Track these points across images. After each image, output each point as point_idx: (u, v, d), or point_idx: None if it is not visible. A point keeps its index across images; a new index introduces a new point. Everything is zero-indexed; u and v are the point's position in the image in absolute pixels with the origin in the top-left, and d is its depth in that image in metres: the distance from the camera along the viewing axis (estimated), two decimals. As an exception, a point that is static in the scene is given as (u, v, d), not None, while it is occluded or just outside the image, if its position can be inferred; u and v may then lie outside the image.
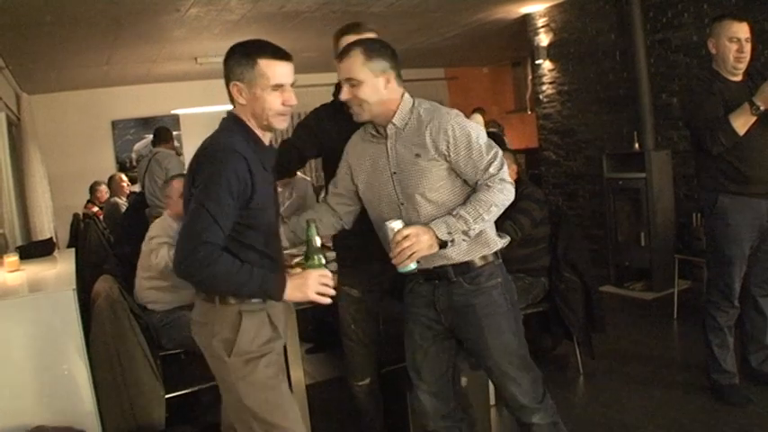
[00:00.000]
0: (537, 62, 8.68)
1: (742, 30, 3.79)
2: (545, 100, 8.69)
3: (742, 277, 3.97)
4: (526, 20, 8.74)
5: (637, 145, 6.83)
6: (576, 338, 4.70)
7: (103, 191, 9.40)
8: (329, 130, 3.42)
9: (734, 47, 3.78)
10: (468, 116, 2.85)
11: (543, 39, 8.52)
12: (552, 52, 8.45)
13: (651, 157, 6.58)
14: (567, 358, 4.97)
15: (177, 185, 4.54)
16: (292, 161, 3.53)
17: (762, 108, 3.60)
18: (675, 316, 5.69)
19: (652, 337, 5.42)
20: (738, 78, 3.88)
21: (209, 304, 2.47)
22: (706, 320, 4.11)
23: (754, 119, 3.66)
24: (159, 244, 4.33)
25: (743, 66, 3.84)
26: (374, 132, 2.86)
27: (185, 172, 2.64)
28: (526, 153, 10.83)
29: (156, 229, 4.47)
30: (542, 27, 8.53)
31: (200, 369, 4.10)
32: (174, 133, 11.31)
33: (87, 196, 9.62)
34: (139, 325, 3.71)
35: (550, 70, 8.52)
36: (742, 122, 3.68)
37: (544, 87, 8.67)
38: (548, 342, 5.12)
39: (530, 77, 9.82)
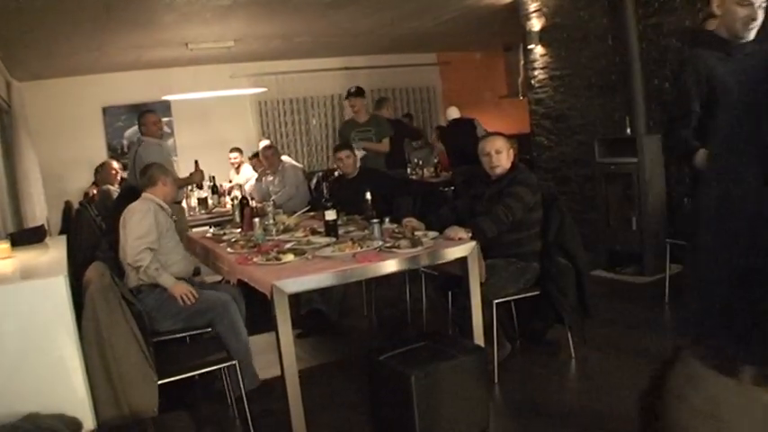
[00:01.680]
0: (529, 47, 8.66)
1: None
2: (537, 85, 8.68)
3: None
4: (518, 5, 8.71)
5: (629, 130, 6.83)
6: (568, 323, 4.71)
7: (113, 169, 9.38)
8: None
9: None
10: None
11: (535, 24, 8.50)
12: (544, 37, 8.43)
13: (643, 141, 6.58)
14: (558, 342, 4.98)
15: (158, 173, 4.86)
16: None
17: None
18: (667, 300, 5.70)
19: (643, 322, 5.44)
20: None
21: None
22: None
23: None
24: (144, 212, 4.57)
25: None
26: None
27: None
28: (518, 138, 10.82)
29: (140, 205, 4.67)
30: (534, 12, 8.51)
31: (193, 354, 4.14)
32: (166, 119, 11.32)
33: (78, 183, 9.60)
34: (131, 311, 3.70)
35: (542, 55, 8.51)
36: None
37: (536, 72, 8.66)
38: (540, 326, 5.14)
39: (522, 63, 9.79)
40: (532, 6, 8.51)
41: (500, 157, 4.69)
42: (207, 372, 3.96)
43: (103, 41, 8.27)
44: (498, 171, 4.70)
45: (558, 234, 4.66)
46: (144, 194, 4.80)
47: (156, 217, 4.59)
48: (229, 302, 4.50)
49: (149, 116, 7.05)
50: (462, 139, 8.95)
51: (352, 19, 8.76)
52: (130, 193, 5.32)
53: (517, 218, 4.45)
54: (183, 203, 7.91)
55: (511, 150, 4.75)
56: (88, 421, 3.27)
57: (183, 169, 10.43)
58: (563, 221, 4.69)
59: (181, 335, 4.41)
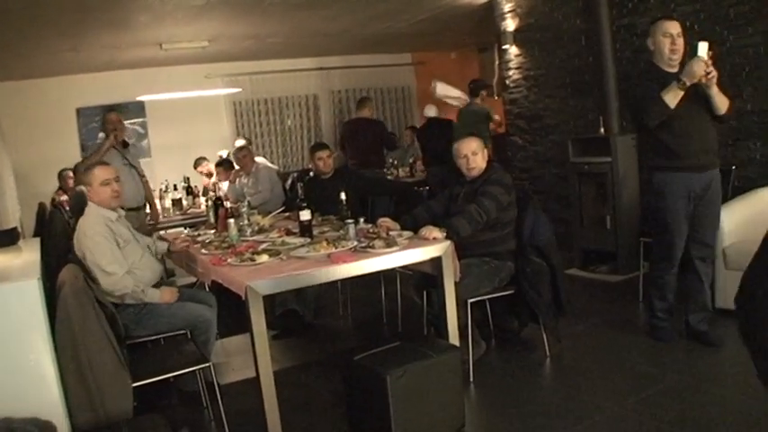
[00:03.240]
0: (503, 47, 8.70)
1: (673, 27, 4.50)
2: (512, 85, 8.72)
3: (683, 244, 4.66)
4: (493, 5, 8.75)
5: (602, 129, 6.88)
6: (543, 321, 4.73)
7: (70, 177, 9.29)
8: None
9: (668, 41, 4.49)
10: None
11: (510, 24, 8.54)
12: (519, 38, 8.47)
13: (616, 141, 6.63)
14: (533, 341, 5.01)
15: (99, 173, 4.47)
16: None
17: (687, 82, 4.27)
18: (641, 298, 5.74)
19: (618, 320, 5.48)
20: (674, 70, 4.48)
21: None
22: (650, 279, 5.04)
23: (681, 93, 4.31)
24: (101, 235, 4.32)
25: (677, 57, 4.51)
26: None
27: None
28: (493, 138, 10.85)
29: (90, 223, 4.39)
30: (509, 12, 8.55)
31: (169, 356, 4.13)
32: (140, 120, 11.29)
33: (52, 185, 9.52)
34: (105, 314, 3.68)
35: (517, 55, 8.55)
36: (671, 96, 4.32)
37: (511, 72, 8.70)
38: (515, 325, 5.18)
39: (496, 63, 9.84)
40: (507, 7, 8.55)
41: (476, 158, 4.73)
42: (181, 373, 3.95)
43: (77, 42, 8.22)
44: (475, 173, 4.75)
45: (532, 233, 4.68)
46: (89, 204, 4.54)
47: (111, 232, 4.39)
48: (212, 322, 4.47)
49: (108, 116, 6.85)
50: (438, 139, 8.96)
51: (325, 19, 8.77)
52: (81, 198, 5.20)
53: (491, 217, 4.48)
54: (158, 204, 7.88)
55: (485, 150, 4.79)
56: (62, 425, 3.25)
57: (159, 170, 10.43)
58: (537, 221, 4.71)
59: (155, 337, 4.38)
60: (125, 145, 6.90)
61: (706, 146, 4.57)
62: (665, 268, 4.77)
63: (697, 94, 4.41)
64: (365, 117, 9.50)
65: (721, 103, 4.47)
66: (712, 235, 4.76)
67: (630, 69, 6.82)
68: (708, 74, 4.25)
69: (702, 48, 4.26)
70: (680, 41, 4.50)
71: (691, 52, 4.41)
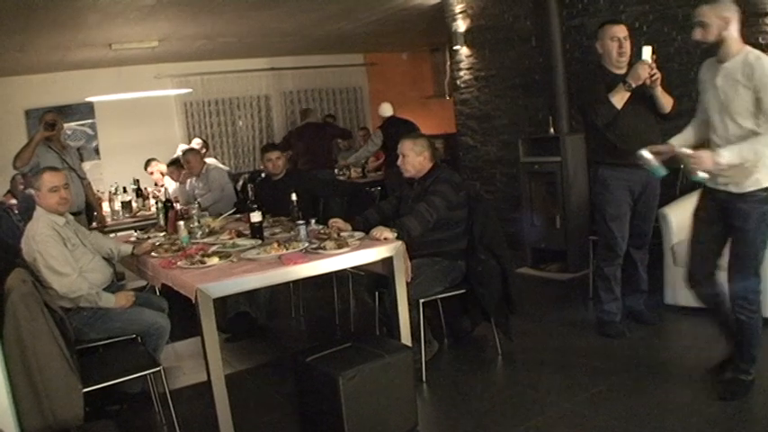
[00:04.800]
0: (455, 48, 8.75)
1: (620, 30, 4.72)
2: (462, 86, 8.77)
3: (626, 235, 4.92)
4: (444, 6, 8.79)
5: (552, 129, 6.95)
6: (494, 320, 4.77)
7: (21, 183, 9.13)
8: None
9: (615, 45, 4.70)
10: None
11: (461, 25, 8.59)
12: (469, 38, 8.52)
13: (566, 141, 6.70)
14: (485, 340, 5.06)
15: (48, 179, 4.43)
16: None
17: (633, 84, 4.52)
18: (591, 296, 5.81)
19: (568, 317, 5.54)
20: (622, 71, 4.71)
21: None
22: (595, 270, 5.24)
23: (627, 94, 4.56)
24: (51, 238, 4.27)
25: (624, 59, 4.74)
26: None
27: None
28: (445, 138, 10.92)
29: (39, 227, 4.32)
30: (460, 13, 8.60)
31: (119, 361, 4.08)
32: (90, 121, 11.13)
33: (1, 187, 9.35)
34: (54, 318, 3.63)
35: (468, 56, 8.60)
36: (617, 97, 4.58)
37: (462, 73, 8.75)
38: (466, 324, 5.21)
39: (448, 63, 9.88)
40: (458, 8, 8.60)
41: (407, 159, 4.77)
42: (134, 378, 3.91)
43: (25, 42, 8.08)
44: (407, 174, 4.82)
45: (482, 233, 4.71)
46: (37, 209, 4.48)
47: (60, 235, 4.34)
48: (166, 330, 4.42)
49: (44, 115, 6.60)
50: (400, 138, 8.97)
51: (276, 19, 8.73)
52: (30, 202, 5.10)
53: (440, 215, 4.49)
54: (106, 206, 7.78)
55: (425, 152, 4.77)
56: (11, 431, 3.20)
57: (109, 172, 10.30)
58: (488, 220, 4.73)
59: (105, 342, 4.33)
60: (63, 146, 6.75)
61: (647, 144, 4.65)
62: (609, 258, 4.98)
63: (642, 95, 4.64)
64: (312, 122, 9.60)
65: (666, 102, 4.70)
66: (648, 226, 5.07)
67: (580, 69, 6.89)
68: (652, 76, 4.51)
69: (646, 51, 4.51)
70: (627, 44, 4.72)
71: (636, 56, 4.62)
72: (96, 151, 11.37)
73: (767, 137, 3.45)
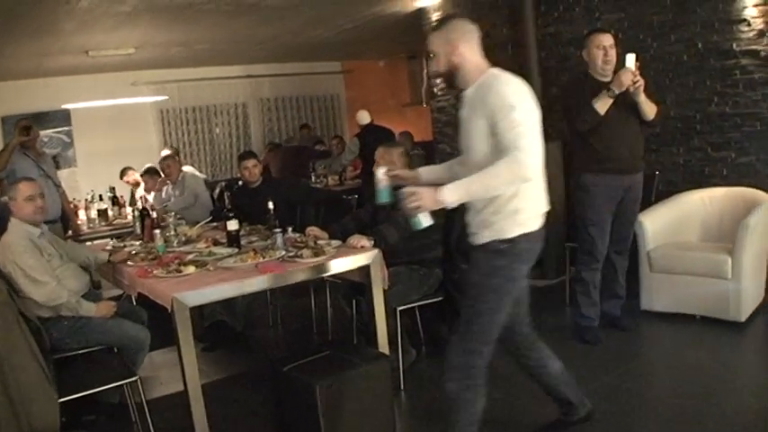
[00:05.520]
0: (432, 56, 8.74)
1: (606, 39, 4.78)
2: (439, 93, 8.79)
3: (606, 241, 4.96)
4: (421, 13, 8.81)
5: (528, 137, 6.94)
6: (472, 328, 4.77)
7: None
8: None
9: (600, 53, 4.76)
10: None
11: (437, 32, 8.59)
12: (446, 46, 8.53)
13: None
14: (463, 347, 5.05)
15: (23, 188, 4.41)
16: None
17: (616, 91, 4.56)
18: (568, 302, 5.84)
19: (545, 324, 5.53)
20: (608, 79, 4.75)
21: None
22: (574, 275, 5.24)
23: (611, 101, 4.61)
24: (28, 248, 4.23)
25: (610, 67, 4.77)
26: None
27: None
28: (422, 146, 10.93)
29: (15, 238, 4.29)
30: (437, 21, 8.60)
31: (96, 371, 4.05)
32: (66, 128, 11.07)
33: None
34: (30, 328, 3.60)
35: (444, 64, 8.59)
36: (601, 104, 4.62)
37: (438, 81, 8.75)
38: (444, 332, 5.19)
39: (425, 71, 9.90)
40: (435, 15, 8.62)
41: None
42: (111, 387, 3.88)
43: (2, 49, 8.03)
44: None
45: (459, 240, 4.71)
46: (12, 219, 4.43)
47: (36, 246, 4.31)
48: (146, 343, 4.40)
49: (19, 122, 6.55)
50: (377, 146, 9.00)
51: (253, 27, 8.73)
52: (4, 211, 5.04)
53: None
54: (82, 214, 7.73)
55: (401, 160, 4.75)
56: (-15, 442, 3.17)
57: (85, 179, 10.24)
58: (464, 227, 4.74)
59: (81, 351, 4.29)
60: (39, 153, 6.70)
61: (631, 150, 4.88)
62: (588, 262, 5.02)
63: (626, 102, 4.71)
64: (291, 146, 9.75)
65: (649, 109, 4.79)
66: (628, 231, 5.13)
67: (555, 77, 6.93)
68: (635, 83, 4.58)
69: (630, 59, 4.57)
70: (612, 53, 4.77)
71: (620, 63, 4.68)
72: (73, 158, 11.30)
73: (497, 168, 2.89)
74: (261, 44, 10.22)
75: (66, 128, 11.25)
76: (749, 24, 5.49)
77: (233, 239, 4.75)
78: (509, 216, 3.11)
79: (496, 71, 3.20)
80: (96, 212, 7.77)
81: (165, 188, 8.02)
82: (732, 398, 3.93)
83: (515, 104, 2.96)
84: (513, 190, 3.04)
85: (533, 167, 2.92)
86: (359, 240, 4.32)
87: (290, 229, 4.81)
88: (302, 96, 13.34)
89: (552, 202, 6.52)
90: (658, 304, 5.25)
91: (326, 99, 13.74)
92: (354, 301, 4.87)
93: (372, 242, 4.31)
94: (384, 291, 4.26)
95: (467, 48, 3.26)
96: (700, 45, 5.84)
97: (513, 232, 3.13)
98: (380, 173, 3.47)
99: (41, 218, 4.52)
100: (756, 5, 5.42)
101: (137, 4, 6.79)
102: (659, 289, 5.26)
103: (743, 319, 4.90)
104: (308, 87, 13.34)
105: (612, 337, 5.02)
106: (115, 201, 8.32)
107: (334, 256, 4.15)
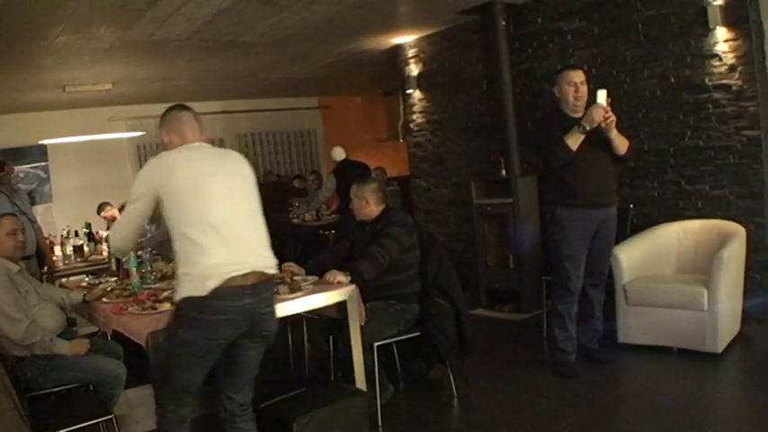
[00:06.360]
0: (408, 92, 8.85)
1: (577, 76, 4.87)
2: (416, 129, 8.85)
3: (581, 275, 4.98)
4: (397, 50, 8.91)
5: (504, 171, 7.02)
6: (449, 362, 4.78)
7: None
8: None
9: (572, 89, 4.83)
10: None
11: (413, 69, 8.69)
12: (422, 82, 8.63)
13: (517, 182, 6.79)
14: (440, 382, 5.03)
15: (6, 223, 4.41)
16: None
17: (587, 127, 4.63)
18: (545, 335, 5.84)
19: (523, 357, 5.57)
20: (579, 115, 4.81)
21: None
22: (551, 308, 5.27)
23: (582, 137, 4.66)
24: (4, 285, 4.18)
25: (581, 103, 4.84)
26: None
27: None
28: (399, 181, 10.97)
29: None
30: (412, 57, 8.71)
31: (71, 409, 4.00)
32: (42, 164, 11.02)
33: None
34: (4, 366, 3.57)
35: (420, 99, 8.70)
36: (573, 140, 4.68)
37: (415, 116, 8.84)
38: (421, 367, 5.20)
39: (401, 107, 9.98)
40: (411, 52, 8.71)
41: (354, 204, 4.88)
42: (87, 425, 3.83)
43: (-23, 84, 8.02)
44: (358, 218, 4.90)
45: (436, 275, 4.74)
46: None
47: (13, 282, 4.27)
48: (122, 378, 4.34)
49: None
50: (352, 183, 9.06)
51: (230, 63, 8.76)
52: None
53: (393, 258, 4.50)
54: (58, 251, 7.68)
55: (374, 196, 4.79)
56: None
57: (61, 215, 10.18)
58: (441, 262, 4.77)
59: (57, 389, 4.24)
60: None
61: (604, 185, 4.93)
62: (563, 296, 5.02)
63: (598, 137, 4.75)
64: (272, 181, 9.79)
65: (621, 144, 4.85)
66: (604, 264, 5.16)
67: (530, 113, 7.01)
68: (606, 119, 4.63)
69: (601, 95, 4.62)
70: (583, 89, 4.85)
71: (591, 99, 4.73)
72: (49, 194, 11.24)
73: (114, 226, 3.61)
74: (238, 80, 10.27)
75: (42, 163, 11.20)
76: (720, 59, 5.58)
77: (209, 275, 4.72)
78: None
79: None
80: (72, 248, 7.72)
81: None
82: (710, 430, 3.94)
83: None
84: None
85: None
86: (335, 276, 4.32)
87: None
88: (279, 131, 13.36)
89: (528, 236, 6.66)
90: (635, 337, 5.27)
91: (303, 134, 13.77)
92: (331, 337, 4.85)
93: (349, 278, 4.31)
94: (361, 326, 4.25)
95: (173, 139, 3.60)
96: (672, 80, 5.93)
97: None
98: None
99: (21, 253, 4.51)
100: (727, 41, 5.52)
101: (114, 41, 6.82)
102: (636, 322, 5.28)
103: (719, 350, 4.92)
104: (285, 123, 13.36)
105: (590, 370, 5.02)
106: (91, 237, 8.26)
107: (311, 292, 4.15)
